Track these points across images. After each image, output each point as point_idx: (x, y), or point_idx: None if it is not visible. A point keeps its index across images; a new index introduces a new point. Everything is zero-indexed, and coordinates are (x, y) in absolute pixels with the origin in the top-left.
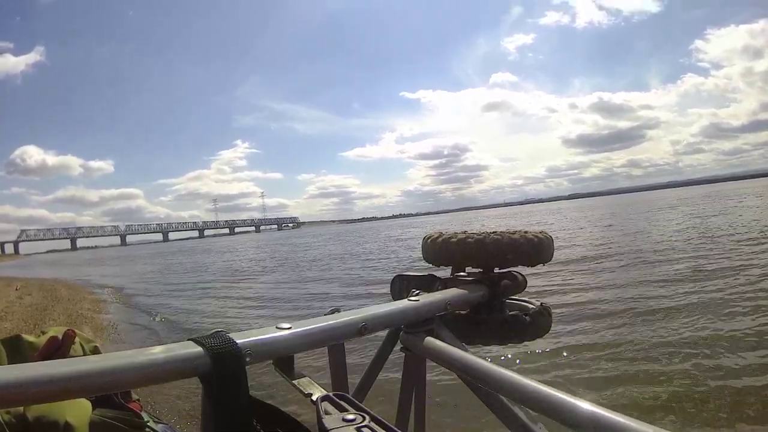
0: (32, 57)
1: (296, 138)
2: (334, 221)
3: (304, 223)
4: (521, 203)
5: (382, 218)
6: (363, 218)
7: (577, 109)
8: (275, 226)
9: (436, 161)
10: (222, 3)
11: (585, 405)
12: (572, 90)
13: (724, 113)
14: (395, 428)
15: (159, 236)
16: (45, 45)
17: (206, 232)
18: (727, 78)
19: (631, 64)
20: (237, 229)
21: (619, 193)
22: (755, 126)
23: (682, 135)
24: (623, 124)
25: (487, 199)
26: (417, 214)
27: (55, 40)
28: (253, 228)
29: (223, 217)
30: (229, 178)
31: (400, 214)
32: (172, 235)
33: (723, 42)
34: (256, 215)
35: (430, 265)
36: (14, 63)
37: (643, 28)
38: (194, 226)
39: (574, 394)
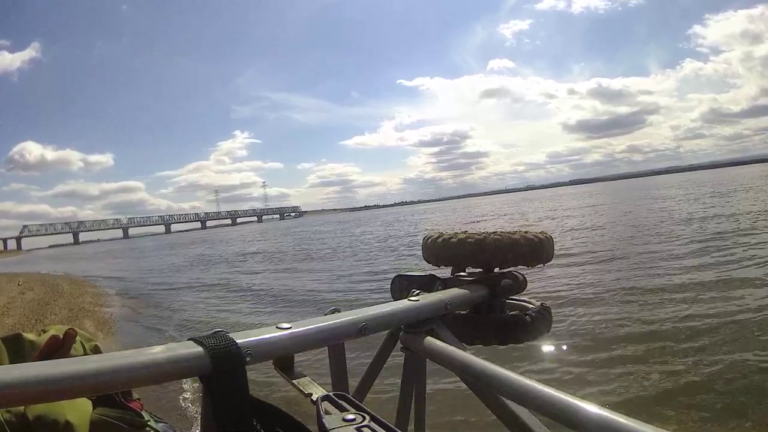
0: (28, 53)
1: (295, 127)
2: (336, 210)
3: (306, 212)
4: (523, 189)
5: (384, 206)
6: (365, 206)
7: (577, 95)
8: (277, 216)
9: (436, 148)
10: None
11: (586, 405)
12: (570, 75)
13: (724, 98)
14: (395, 428)
15: (161, 228)
16: (41, 41)
17: (208, 223)
18: (727, 63)
19: (629, 49)
20: (239, 220)
21: (621, 179)
22: (755, 111)
23: (682, 120)
24: (623, 109)
25: (489, 186)
26: (419, 202)
27: (51, 36)
28: (255, 218)
29: (224, 207)
30: (229, 168)
31: (402, 202)
32: (174, 227)
33: (722, 27)
34: (258, 205)
35: (431, 265)
36: (10, 60)
37: (640, 12)
38: (196, 218)
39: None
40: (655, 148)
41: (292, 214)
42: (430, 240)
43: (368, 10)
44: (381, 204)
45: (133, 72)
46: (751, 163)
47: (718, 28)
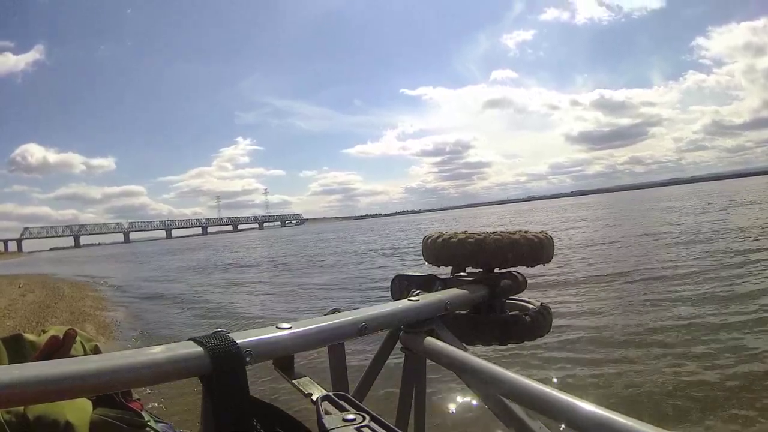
0: (32, 56)
1: (298, 135)
2: (337, 218)
3: (307, 219)
4: (524, 200)
5: (386, 215)
6: (367, 215)
7: (579, 106)
8: (278, 223)
9: (439, 158)
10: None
11: (586, 405)
12: (573, 87)
13: (727, 110)
14: (395, 428)
15: (162, 233)
16: (45, 44)
17: (209, 229)
18: (729, 75)
19: (632, 60)
20: (240, 226)
21: (622, 190)
22: (758, 123)
23: (684, 132)
24: (625, 121)
25: (491, 196)
26: (420, 211)
27: (55, 38)
28: (257, 225)
29: (226, 214)
30: (231, 175)
31: (403, 211)
32: (175, 232)
33: (725, 39)
34: (260, 212)
35: (430, 265)
36: (14, 62)
37: (643, 24)
38: (197, 223)
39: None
40: (657, 159)
41: (294, 221)
42: (430, 240)
43: (372, 18)
44: (383, 213)
45: (137, 76)
46: (754, 175)
47: (721, 40)
